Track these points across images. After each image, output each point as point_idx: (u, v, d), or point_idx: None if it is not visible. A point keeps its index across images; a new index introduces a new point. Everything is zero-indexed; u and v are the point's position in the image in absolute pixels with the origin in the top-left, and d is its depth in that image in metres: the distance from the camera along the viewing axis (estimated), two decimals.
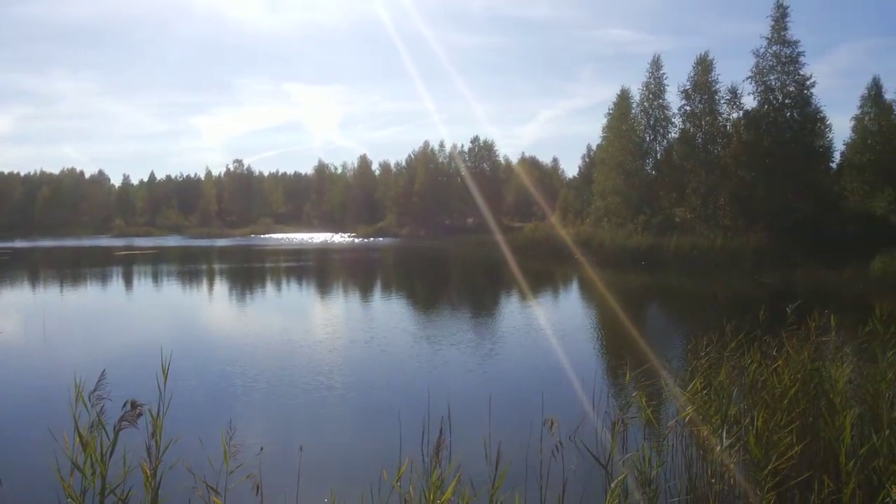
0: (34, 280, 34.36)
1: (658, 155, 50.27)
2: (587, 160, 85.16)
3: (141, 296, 28.09)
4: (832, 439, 5.78)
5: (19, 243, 77.69)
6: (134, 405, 4.18)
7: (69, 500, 4.09)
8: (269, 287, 30.88)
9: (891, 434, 5.47)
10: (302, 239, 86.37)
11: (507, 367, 13.42)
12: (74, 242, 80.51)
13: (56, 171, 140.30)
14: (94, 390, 4.16)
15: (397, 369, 13.14)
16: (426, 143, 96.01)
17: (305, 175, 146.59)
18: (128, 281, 34.02)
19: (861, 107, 48.22)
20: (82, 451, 4.08)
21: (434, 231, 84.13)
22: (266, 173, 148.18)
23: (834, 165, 48.77)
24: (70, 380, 4.58)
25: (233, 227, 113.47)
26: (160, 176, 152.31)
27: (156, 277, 35.89)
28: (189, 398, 10.56)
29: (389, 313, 21.57)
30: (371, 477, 5.89)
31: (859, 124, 47.82)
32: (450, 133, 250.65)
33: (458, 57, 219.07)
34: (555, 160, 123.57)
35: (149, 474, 4.25)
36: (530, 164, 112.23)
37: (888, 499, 4.89)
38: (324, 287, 30.68)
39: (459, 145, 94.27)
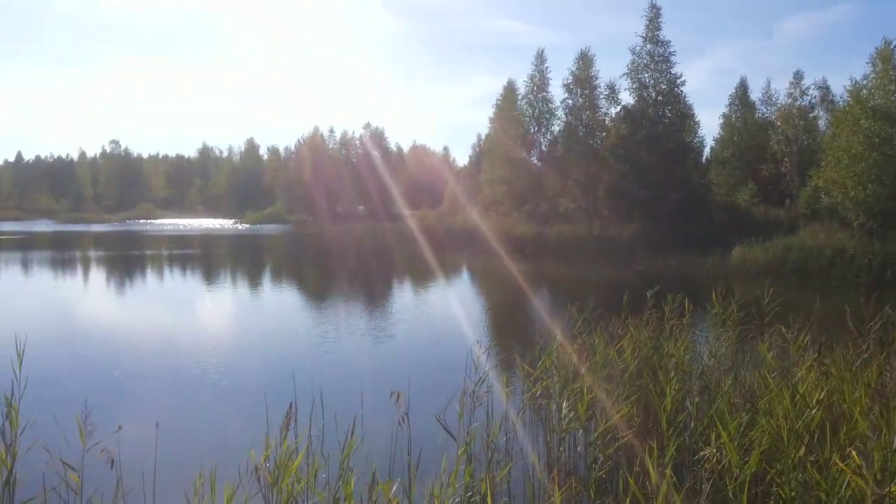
0: None
1: (542, 146, 51.96)
2: (477, 149, 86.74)
3: (5, 283, 26.49)
4: (658, 408, 6.47)
5: None
6: None
7: None
8: (149, 275, 29.86)
9: (700, 401, 6.21)
10: (185, 225, 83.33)
11: (383, 350, 13.76)
12: None
13: None
14: None
15: (275, 355, 13.23)
16: (316, 129, 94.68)
17: (189, 158, 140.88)
18: None
19: (729, 105, 51.77)
20: None
21: (324, 218, 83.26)
22: (146, 155, 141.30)
23: (703, 160, 52.23)
24: None
25: (110, 212, 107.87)
26: (28, 156, 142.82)
27: (24, 265, 33.87)
28: (49, 383, 10.38)
29: (275, 302, 21.46)
30: (235, 454, 6.09)
31: (727, 121, 51.28)
32: (343, 120, 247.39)
33: (358, 42, 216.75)
34: (446, 148, 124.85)
35: (3, 453, 4.31)
36: (422, 152, 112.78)
37: (702, 455, 5.56)
38: (207, 276, 29.95)
39: (350, 131, 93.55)
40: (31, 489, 4.92)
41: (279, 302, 21.21)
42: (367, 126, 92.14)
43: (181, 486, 5.07)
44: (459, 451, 5.29)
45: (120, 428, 5.83)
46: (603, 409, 6.51)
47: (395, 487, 4.14)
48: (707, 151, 53.75)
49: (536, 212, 47.06)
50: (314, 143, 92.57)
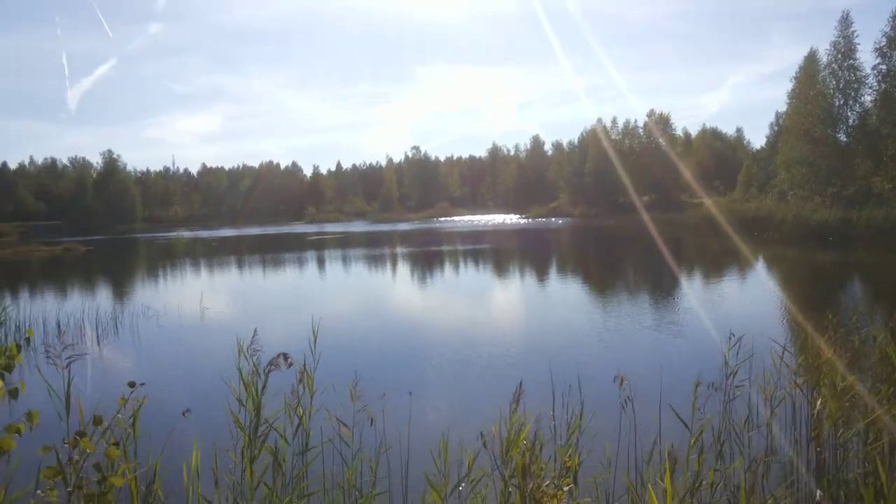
0: (240, 264, 38.66)
1: (850, 120, 46.35)
2: (775, 129, 79.73)
3: (326, 277, 30.88)
4: None
5: (226, 231, 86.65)
6: (285, 356, 5.32)
7: (237, 428, 5.37)
8: (447, 268, 32.56)
9: None
10: (477, 221, 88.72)
11: (652, 344, 13.67)
12: (273, 229, 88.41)
13: (256, 164, 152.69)
14: (251, 345, 5.37)
15: (534, 340, 13.89)
16: (599, 121, 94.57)
17: (480, 158, 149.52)
18: (319, 264, 37.38)
19: None
20: (244, 391, 5.34)
21: (607, 210, 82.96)
22: (443, 158, 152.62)
23: None
24: (256, 341, 5.82)
25: (412, 212, 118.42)
26: (346, 165, 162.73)
27: (343, 260, 39.02)
28: (338, 357, 12.28)
29: (555, 294, 22.19)
30: (479, 427, 6.81)
31: None
32: (626, 107, 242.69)
33: (639, 27, 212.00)
34: (739, 130, 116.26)
35: (302, 410, 5.44)
36: (711, 135, 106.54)
37: None
38: (498, 267, 31.85)
39: (633, 121, 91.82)
40: (317, 439, 6.05)
41: (562, 296, 21.89)
42: (651, 113, 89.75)
43: (428, 448, 5.88)
44: (692, 441, 5.36)
45: (384, 395, 6.90)
46: (868, 409, 6.02)
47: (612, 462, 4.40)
48: None
49: (842, 195, 42.17)
50: (596, 135, 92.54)
